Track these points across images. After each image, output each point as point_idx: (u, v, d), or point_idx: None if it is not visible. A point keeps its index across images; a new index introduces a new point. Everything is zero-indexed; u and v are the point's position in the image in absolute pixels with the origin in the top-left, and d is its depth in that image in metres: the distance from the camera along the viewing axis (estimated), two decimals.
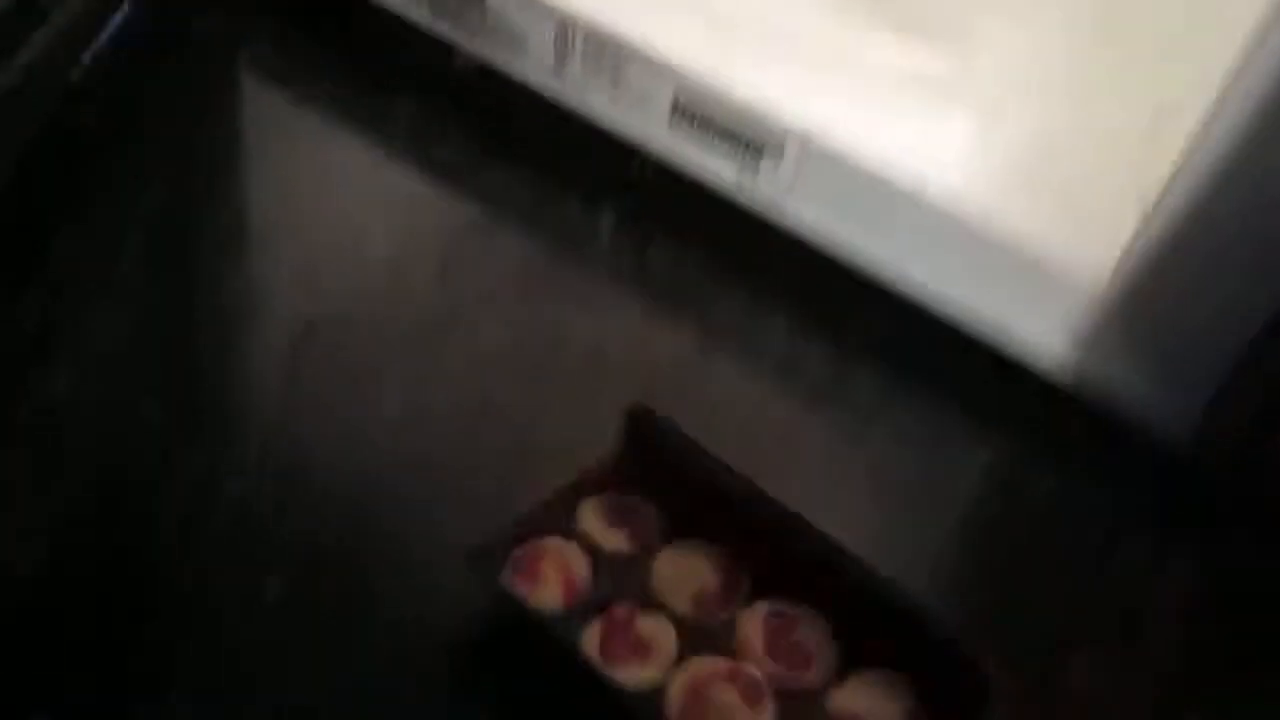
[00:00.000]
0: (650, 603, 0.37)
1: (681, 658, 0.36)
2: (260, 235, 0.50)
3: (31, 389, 0.41)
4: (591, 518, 0.39)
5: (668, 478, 0.40)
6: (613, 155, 0.57)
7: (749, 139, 0.53)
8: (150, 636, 0.35)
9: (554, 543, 0.38)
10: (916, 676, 0.36)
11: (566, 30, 0.55)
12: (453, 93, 0.59)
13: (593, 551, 0.38)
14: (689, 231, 0.55)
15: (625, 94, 0.55)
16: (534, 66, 0.56)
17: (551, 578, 0.37)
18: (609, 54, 0.55)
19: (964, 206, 0.50)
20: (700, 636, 0.37)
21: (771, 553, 0.38)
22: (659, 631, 0.37)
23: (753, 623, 0.37)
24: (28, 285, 0.44)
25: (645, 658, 0.36)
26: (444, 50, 0.56)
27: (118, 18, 0.53)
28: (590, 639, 0.36)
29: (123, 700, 0.34)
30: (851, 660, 0.37)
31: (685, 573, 0.38)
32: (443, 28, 0.57)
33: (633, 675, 0.35)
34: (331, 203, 0.52)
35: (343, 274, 0.48)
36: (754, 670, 0.36)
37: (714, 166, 0.54)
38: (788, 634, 0.37)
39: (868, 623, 0.37)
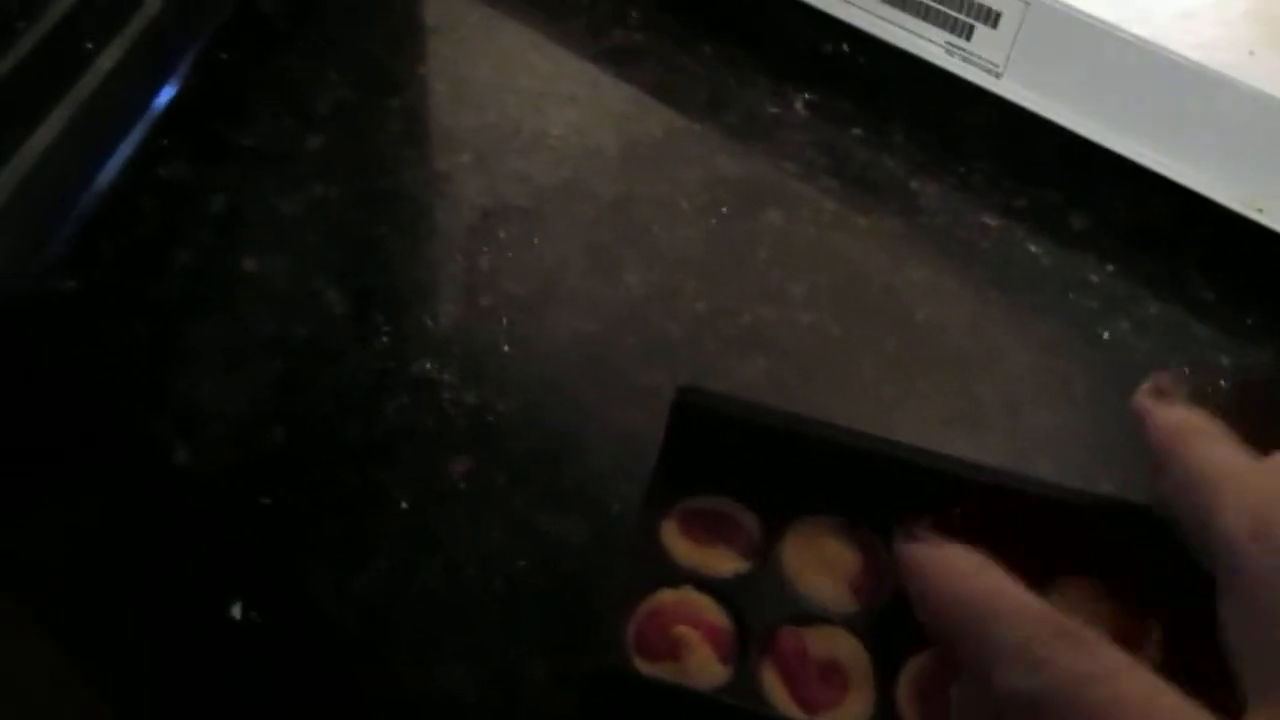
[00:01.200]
0: (805, 616, 0.30)
1: (879, 665, 0.29)
2: (438, 125, 0.48)
3: (219, 269, 0.40)
4: (681, 544, 0.32)
5: (737, 462, 0.32)
6: (804, 30, 0.53)
7: (960, 2, 0.47)
8: (338, 519, 0.34)
9: (668, 597, 0.30)
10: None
11: None
12: None
13: (708, 585, 0.31)
14: (890, 113, 0.50)
15: None
16: None
17: (693, 641, 0.29)
18: None
19: (1215, 63, 0.43)
20: (884, 631, 0.30)
21: (894, 499, 0.30)
22: (838, 645, 0.30)
23: None
24: (215, 170, 0.44)
25: (843, 683, 0.29)
26: None
27: None
28: (774, 693, 0.29)
29: (312, 584, 0.33)
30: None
31: (820, 564, 0.31)
32: None
33: (847, 711, 0.28)
34: (510, 91, 0.49)
35: (522, 163, 0.46)
36: None
37: (921, 37, 0.49)
38: None
39: (1036, 539, 0.30)
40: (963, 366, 0.40)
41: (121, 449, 0.36)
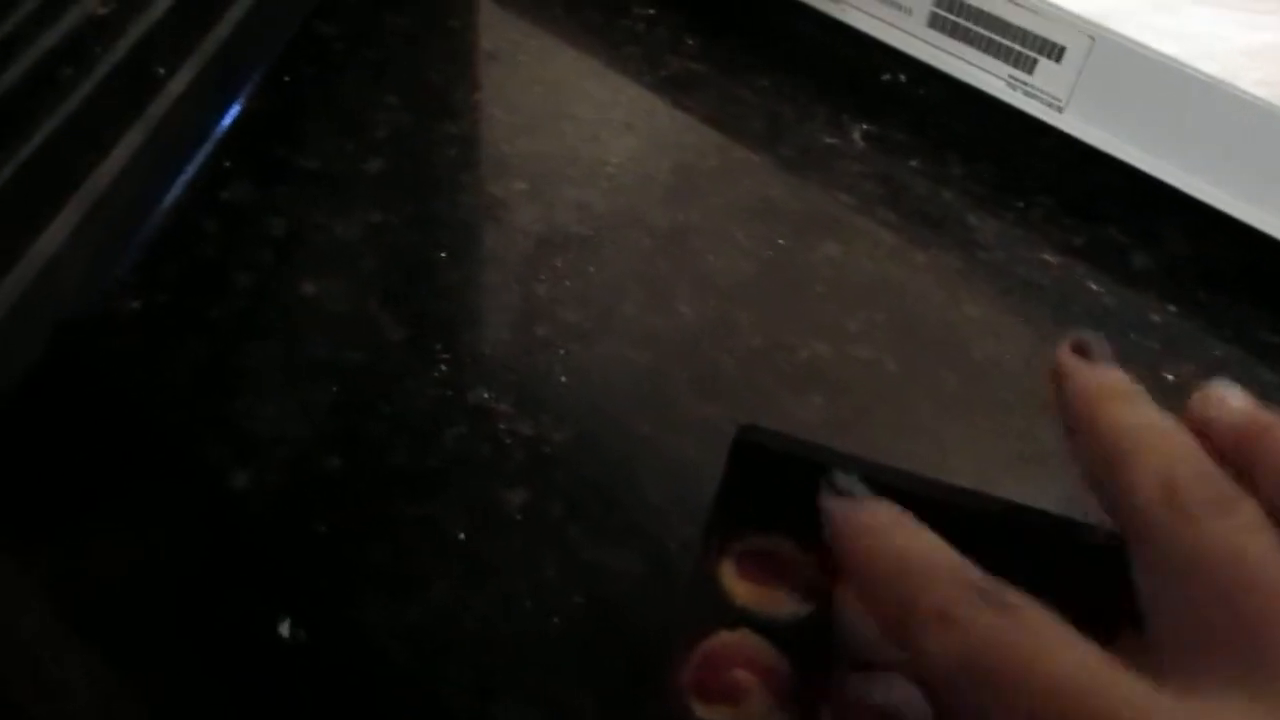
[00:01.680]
0: (866, 662, 0.29)
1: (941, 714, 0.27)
2: (495, 151, 0.48)
3: (278, 292, 0.40)
4: (739, 585, 0.30)
5: (796, 502, 0.30)
6: (862, 61, 0.53)
7: (1023, 36, 0.47)
8: (393, 549, 0.34)
9: (725, 639, 0.29)
10: None
11: None
12: (690, 0, 0.56)
13: (767, 628, 0.29)
14: (949, 146, 0.50)
15: None
16: None
17: (752, 686, 0.28)
18: None
19: None
20: None
21: (956, 544, 0.31)
22: (895, 689, 0.28)
23: None
24: (276, 192, 0.44)
25: None
26: None
27: None
28: None
29: (362, 607, 0.33)
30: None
31: None
32: None
33: None
34: (566, 118, 0.49)
35: (578, 191, 0.46)
36: None
37: (981, 70, 0.49)
38: None
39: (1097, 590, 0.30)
40: (1024, 407, 0.39)
41: (179, 472, 0.36)
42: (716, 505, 0.32)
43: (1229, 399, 0.23)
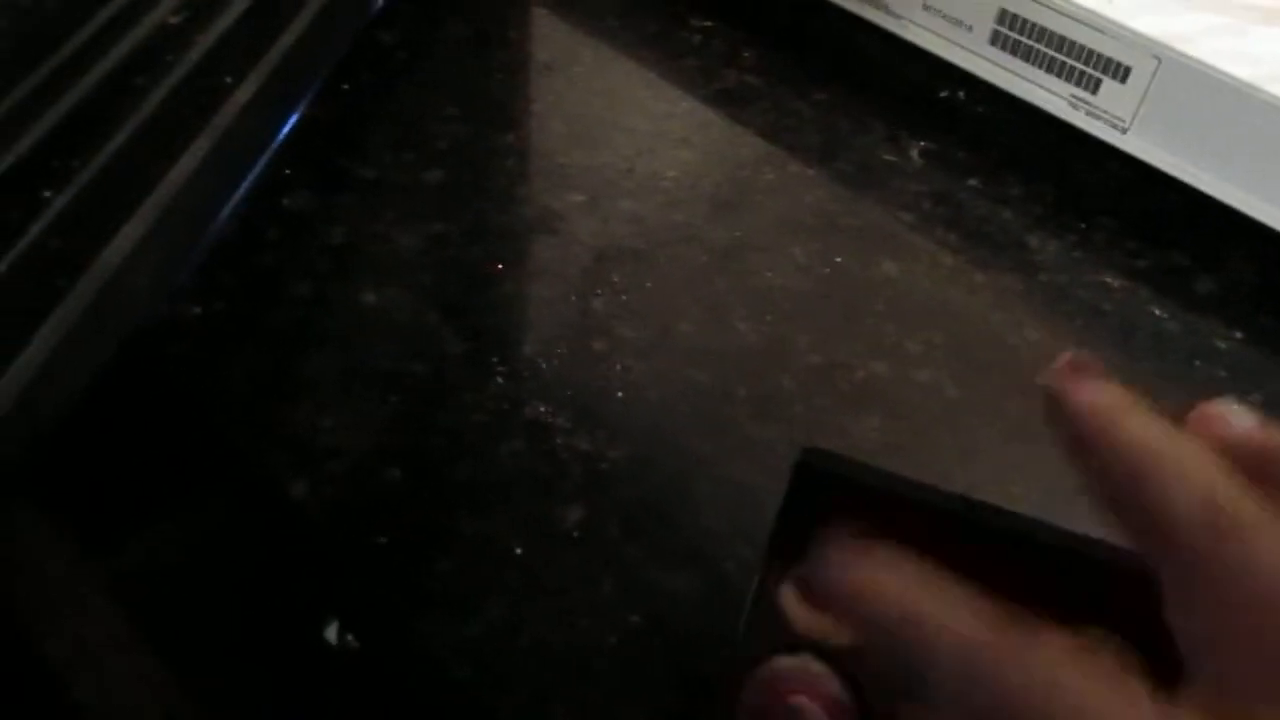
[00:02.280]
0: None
1: None
2: (552, 163, 0.48)
3: (338, 300, 0.41)
4: (799, 610, 0.29)
5: (859, 526, 0.30)
6: (921, 76, 0.52)
7: (1087, 55, 0.46)
8: (451, 563, 0.34)
9: (785, 665, 0.28)
10: None
11: None
12: (747, 13, 0.55)
13: (828, 654, 0.28)
14: (1008, 166, 0.49)
15: (942, 5, 0.50)
16: None
17: (812, 713, 0.28)
18: None
19: None
20: None
21: (1025, 577, 0.30)
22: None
23: None
24: (336, 201, 0.45)
25: None
26: None
27: None
28: None
29: (412, 617, 0.33)
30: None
31: None
32: None
33: None
34: (622, 130, 0.49)
35: (634, 205, 0.46)
36: None
37: (1043, 89, 0.48)
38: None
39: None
40: None
41: (239, 478, 0.37)
42: (778, 527, 0.32)
43: (1238, 417, 0.23)
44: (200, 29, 0.37)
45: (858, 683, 0.30)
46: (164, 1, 0.36)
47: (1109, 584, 0.30)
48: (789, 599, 0.31)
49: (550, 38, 0.54)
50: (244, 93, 0.37)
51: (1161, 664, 0.30)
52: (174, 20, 0.37)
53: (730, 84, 0.52)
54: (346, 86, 0.50)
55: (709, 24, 0.55)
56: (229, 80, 0.37)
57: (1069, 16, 0.46)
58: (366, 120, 0.49)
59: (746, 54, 0.54)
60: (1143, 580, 0.30)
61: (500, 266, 0.43)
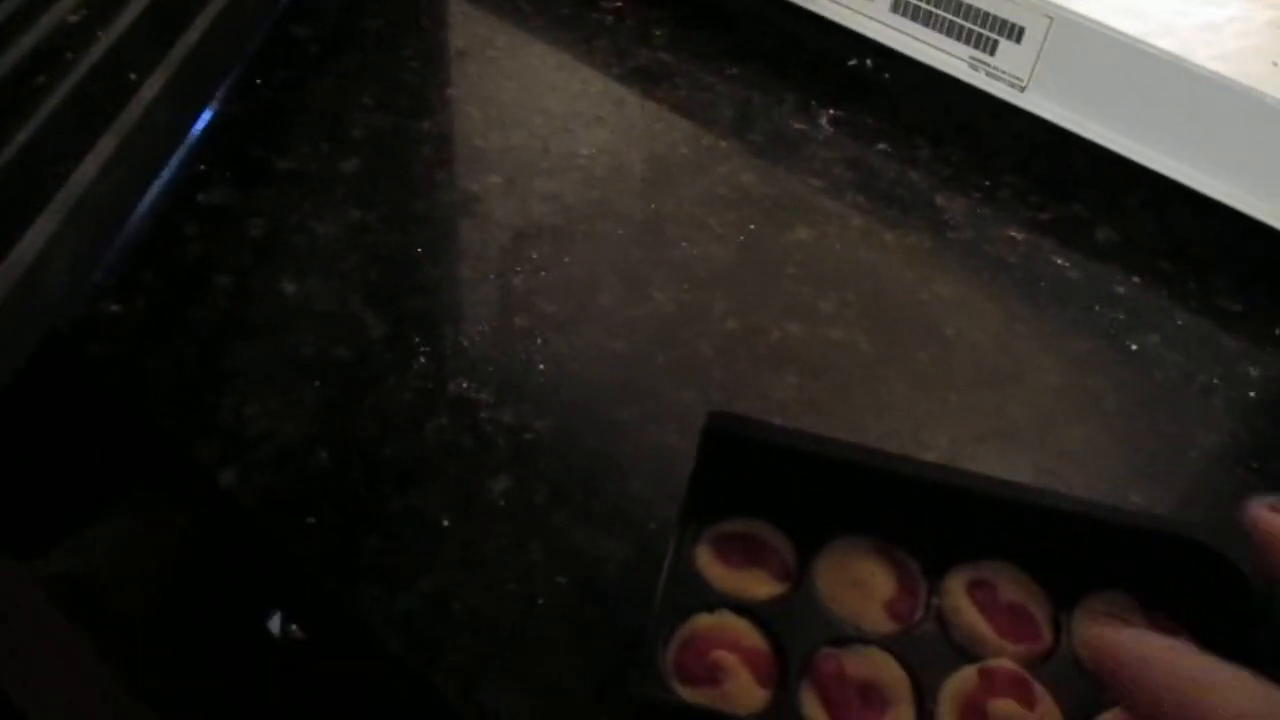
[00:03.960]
0: (842, 638, 0.31)
1: (917, 686, 0.30)
2: (469, 147, 0.49)
3: (260, 292, 0.41)
4: (716, 569, 0.32)
5: (768, 485, 0.33)
6: (829, 47, 0.53)
7: (983, 17, 0.48)
8: (382, 538, 0.35)
9: (705, 622, 0.31)
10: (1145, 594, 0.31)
11: None
12: None
13: (745, 609, 0.31)
14: (916, 129, 0.51)
15: None
16: None
17: (733, 666, 0.30)
18: None
19: (1239, 75, 0.43)
20: (920, 651, 0.31)
21: (925, 519, 0.32)
22: (876, 666, 0.30)
23: (965, 608, 0.31)
24: (254, 194, 0.45)
25: (883, 703, 0.29)
26: None
27: None
28: (815, 716, 0.29)
29: (351, 598, 0.34)
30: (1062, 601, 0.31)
31: (855, 586, 0.32)
32: None
33: None
34: (538, 112, 0.50)
35: (551, 184, 0.47)
36: (1006, 664, 0.30)
37: (944, 53, 0.50)
38: (998, 601, 0.31)
39: (1064, 555, 0.31)
40: (993, 381, 0.40)
41: (169, 471, 0.37)
42: (690, 491, 0.33)
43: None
44: (101, 26, 0.37)
45: (774, 634, 0.31)
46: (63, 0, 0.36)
47: (1010, 523, 0.32)
48: (705, 558, 0.33)
49: (464, 24, 0.55)
50: (150, 89, 0.38)
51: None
52: (73, 19, 0.37)
53: (643, 62, 0.53)
54: (260, 81, 0.50)
55: (620, 4, 0.56)
56: (133, 77, 0.37)
57: None
58: (283, 114, 0.49)
59: (658, 32, 0.55)
60: (1041, 513, 0.31)
61: (420, 250, 0.43)
